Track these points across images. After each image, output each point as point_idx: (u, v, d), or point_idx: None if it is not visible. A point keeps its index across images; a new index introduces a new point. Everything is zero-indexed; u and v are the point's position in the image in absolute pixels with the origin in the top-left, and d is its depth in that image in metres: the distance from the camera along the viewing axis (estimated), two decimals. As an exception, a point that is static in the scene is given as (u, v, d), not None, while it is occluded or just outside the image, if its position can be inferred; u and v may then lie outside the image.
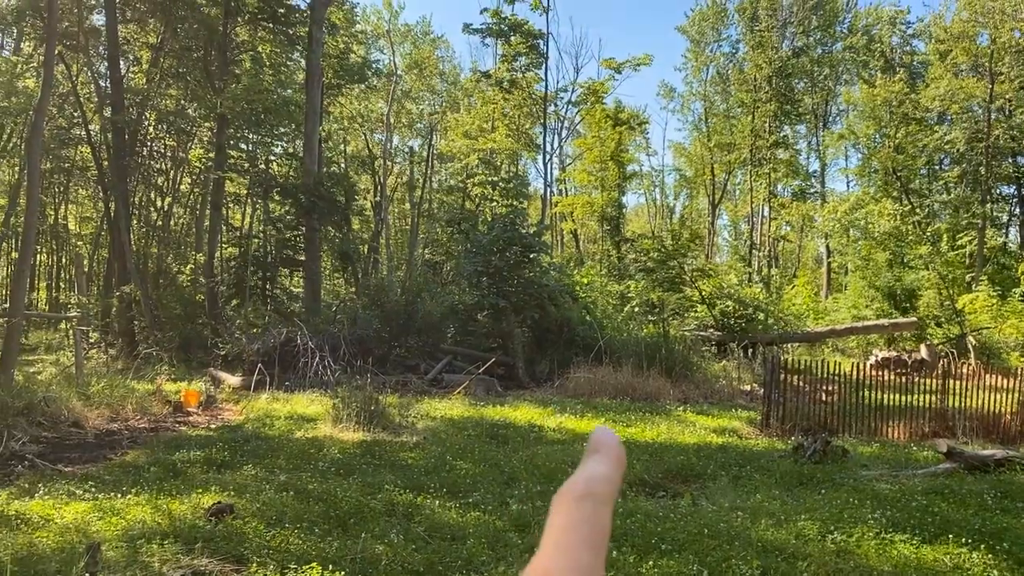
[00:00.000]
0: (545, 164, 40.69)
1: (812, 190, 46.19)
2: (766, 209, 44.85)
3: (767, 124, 42.61)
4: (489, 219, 29.95)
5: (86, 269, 33.95)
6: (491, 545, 6.18)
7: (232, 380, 17.13)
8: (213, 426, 12.37)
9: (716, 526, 6.74)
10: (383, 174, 38.99)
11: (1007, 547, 6.24)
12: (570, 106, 43.22)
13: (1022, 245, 37.82)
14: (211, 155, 25.41)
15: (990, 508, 7.58)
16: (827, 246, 43.30)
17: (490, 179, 34.22)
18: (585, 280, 26.79)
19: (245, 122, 24.53)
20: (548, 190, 41.30)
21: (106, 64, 24.45)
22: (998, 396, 13.34)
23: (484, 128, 37.58)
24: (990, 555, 6.11)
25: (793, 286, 39.98)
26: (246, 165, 26.28)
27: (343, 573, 5.21)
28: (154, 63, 25.95)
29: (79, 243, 37.26)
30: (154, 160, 28.75)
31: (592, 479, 0.43)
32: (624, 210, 42.68)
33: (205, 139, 28.48)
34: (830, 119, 47.99)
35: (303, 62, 26.78)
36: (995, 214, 38.76)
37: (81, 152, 31.20)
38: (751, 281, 35.25)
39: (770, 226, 44.73)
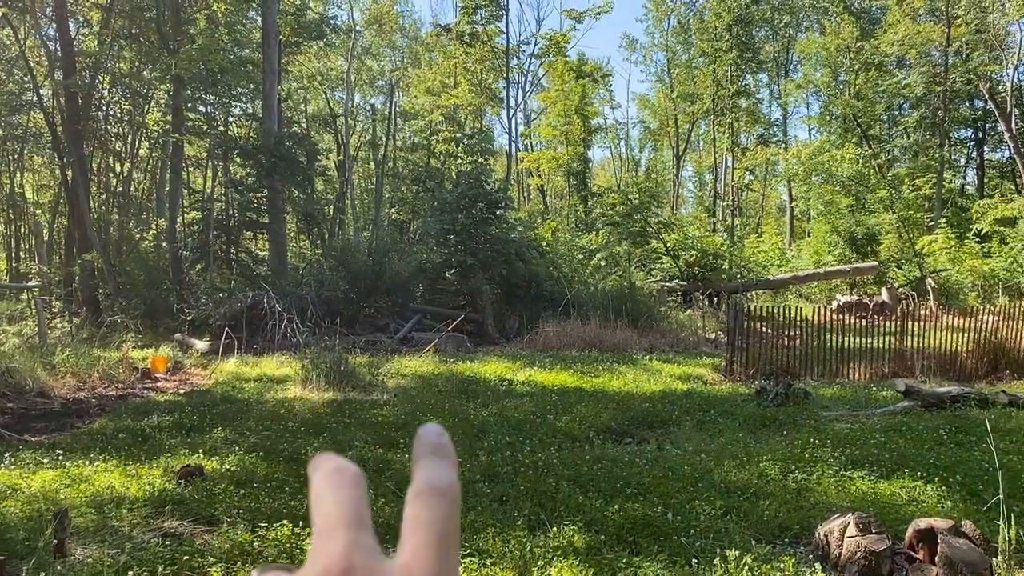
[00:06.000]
0: (509, 119, 40.51)
1: (775, 138, 46.42)
2: (729, 159, 45.05)
3: (728, 73, 42.59)
4: (454, 176, 29.78)
5: (46, 238, 33.32)
6: (461, 496, 6.27)
7: (200, 345, 17.03)
8: (182, 391, 12.33)
9: (680, 469, 6.89)
10: (346, 133, 38.48)
11: (960, 478, 6.46)
12: (533, 59, 42.87)
13: (979, 187, 38.41)
14: (168, 118, 24.88)
15: (945, 443, 7.82)
16: (790, 192, 43.65)
17: (454, 135, 33.95)
18: (548, 234, 26.84)
19: (202, 83, 23.99)
20: (513, 145, 41.12)
21: (55, 26, 23.72)
22: (955, 336, 13.70)
23: (446, 84, 37.18)
24: (944, 487, 6.32)
25: (759, 234, 40.41)
26: (205, 127, 25.75)
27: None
28: (105, 24, 25.17)
29: (38, 211, 36.44)
30: (110, 125, 28.07)
31: (453, 483, 0.44)
32: (590, 164, 42.71)
33: (162, 102, 27.85)
34: (791, 67, 48.08)
35: (259, 20, 26.17)
36: (953, 157, 39.30)
37: (34, 118, 30.35)
38: (715, 231, 35.53)
39: (733, 176, 44.98)
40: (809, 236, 37.84)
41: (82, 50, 24.48)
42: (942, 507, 5.89)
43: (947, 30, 33.11)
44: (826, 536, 4.91)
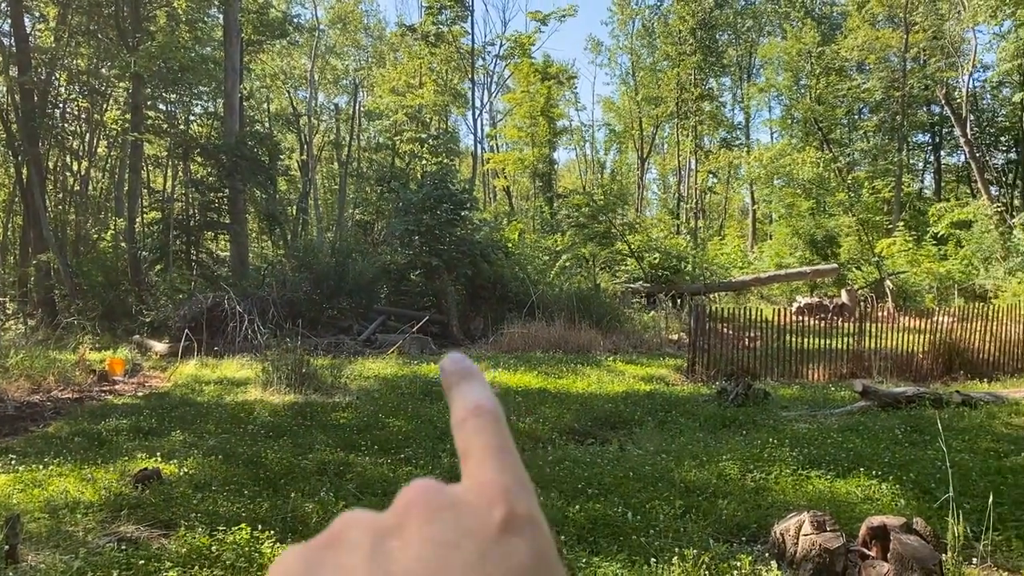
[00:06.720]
0: (475, 120, 40.45)
1: (737, 142, 46.96)
2: (693, 162, 45.47)
3: (692, 76, 42.98)
4: (419, 177, 29.70)
5: (0, 238, 32.62)
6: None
7: (159, 347, 16.80)
8: (140, 394, 12.15)
9: (641, 469, 6.94)
10: (309, 132, 38.22)
11: (913, 477, 6.58)
12: (498, 60, 42.86)
13: (936, 191, 39.19)
14: (127, 116, 24.51)
15: (900, 442, 7.96)
16: (752, 195, 44.18)
17: (419, 136, 33.84)
18: (514, 235, 26.88)
19: (162, 81, 23.69)
20: (479, 146, 41.11)
21: (9, 21, 23.24)
22: (911, 337, 13.97)
23: (411, 84, 37.05)
24: (898, 485, 6.43)
25: (722, 236, 40.86)
26: (165, 126, 25.43)
27: (273, 532, 5.23)
28: (62, 20, 24.73)
29: (-9, 211, 35.66)
30: (67, 122, 27.58)
31: (492, 399, 0.44)
32: (556, 166, 42.83)
33: (121, 100, 27.43)
34: (754, 71, 48.67)
35: (220, 17, 25.89)
36: (911, 161, 40.06)
37: (-13, 115, 29.70)
38: (678, 233, 35.86)
39: (696, 178, 45.41)
40: (771, 238, 38.32)
41: (38, 46, 24.01)
42: (896, 505, 6.00)
43: (905, 36, 33.76)
44: (782, 534, 4.97)
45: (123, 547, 5.15)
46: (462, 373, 0.47)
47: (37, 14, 25.57)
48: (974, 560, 4.83)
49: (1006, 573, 4.81)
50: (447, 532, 0.37)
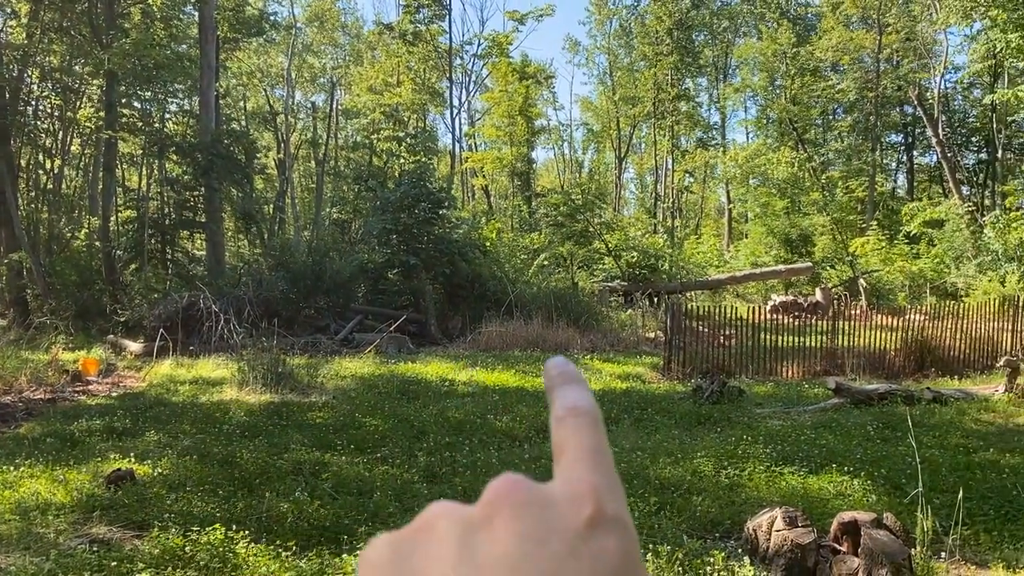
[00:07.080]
0: (453, 119, 40.44)
1: (713, 142, 47.25)
2: (669, 161, 45.68)
3: (669, 77, 43.17)
4: (397, 176, 29.62)
5: (-30, 237, 32.14)
6: (398, 497, 6.26)
7: (133, 347, 16.64)
8: (114, 394, 12.03)
9: (617, 466, 6.94)
10: (286, 131, 37.99)
11: (884, 472, 6.67)
12: (476, 59, 42.83)
13: (909, 190, 39.64)
14: (101, 114, 24.23)
15: (872, 438, 8.07)
16: (728, 195, 44.45)
17: (397, 134, 33.76)
18: (492, 234, 26.88)
19: (136, 79, 23.43)
20: (457, 145, 41.06)
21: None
22: (884, 334, 14.14)
23: (389, 83, 36.95)
24: (869, 481, 6.52)
25: (698, 235, 41.10)
26: (139, 124, 25.17)
27: (247, 532, 5.20)
28: (34, 16, 24.39)
29: (-39, 210, 35.13)
30: (40, 120, 27.22)
31: (590, 402, 0.45)
32: (534, 165, 42.85)
33: (95, 97, 27.11)
34: (729, 71, 48.98)
35: (196, 15, 25.67)
36: (884, 161, 40.50)
37: (-43, 113, 29.24)
38: (655, 232, 36.02)
39: (673, 178, 45.62)
40: (746, 237, 38.56)
41: (9, 42, 23.69)
42: (867, 500, 6.08)
43: (879, 38, 34.11)
44: (755, 530, 5.03)
45: (95, 548, 5.11)
46: (565, 376, 0.48)
47: (8, 10, 25.22)
48: (943, 554, 4.90)
49: (974, 567, 4.89)
50: (535, 527, 0.37)
